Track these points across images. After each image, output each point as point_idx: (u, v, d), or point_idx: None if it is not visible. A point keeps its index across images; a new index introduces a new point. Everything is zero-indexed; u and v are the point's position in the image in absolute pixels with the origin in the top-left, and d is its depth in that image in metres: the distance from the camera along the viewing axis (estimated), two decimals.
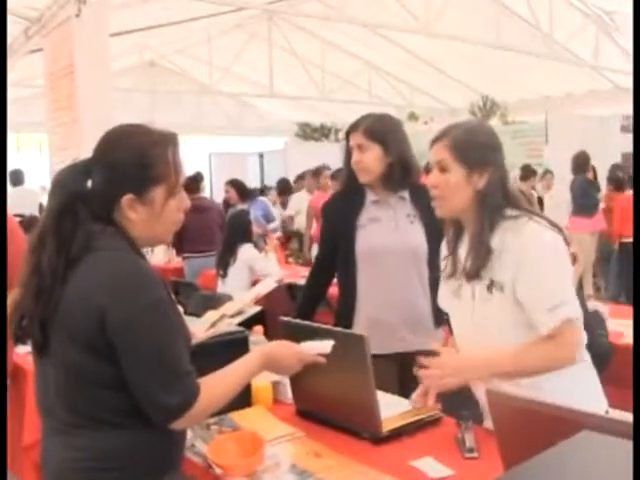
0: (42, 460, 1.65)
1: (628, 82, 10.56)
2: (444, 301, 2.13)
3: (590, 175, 8.03)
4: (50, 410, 1.61)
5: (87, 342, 1.50)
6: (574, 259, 2.25)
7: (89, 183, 1.60)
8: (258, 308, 2.34)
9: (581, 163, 7.87)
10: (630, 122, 11.25)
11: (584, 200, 7.77)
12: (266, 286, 2.45)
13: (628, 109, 10.84)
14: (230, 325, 2.25)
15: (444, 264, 2.06)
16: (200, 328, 2.14)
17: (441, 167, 1.90)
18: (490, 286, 1.88)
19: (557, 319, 1.80)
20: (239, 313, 2.29)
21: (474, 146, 1.89)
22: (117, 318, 1.48)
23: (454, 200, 1.91)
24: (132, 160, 1.57)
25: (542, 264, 1.84)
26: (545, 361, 1.84)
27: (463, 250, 1.98)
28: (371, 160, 2.64)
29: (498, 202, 1.88)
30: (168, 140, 1.63)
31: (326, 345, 1.90)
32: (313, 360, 1.88)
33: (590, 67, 10.46)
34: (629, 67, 10.03)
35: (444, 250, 2.09)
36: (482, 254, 1.87)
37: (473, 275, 1.90)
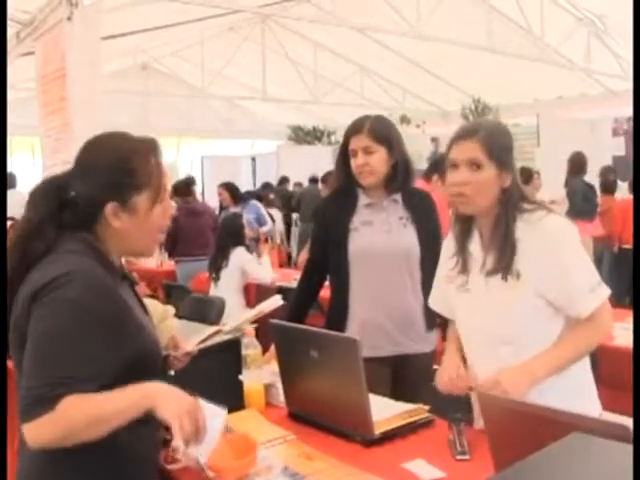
0: None
1: (619, 86, 10.61)
2: (447, 300, 2.13)
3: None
4: None
5: (23, 338, 1.47)
6: None
7: (72, 193, 1.57)
8: (254, 325, 2.31)
9: (578, 165, 7.45)
10: (620, 125, 11.29)
11: (585, 204, 7.40)
12: (271, 303, 2.37)
13: (619, 112, 10.90)
14: (223, 339, 2.23)
15: (453, 262, 2.05)
16: (193, 340, 2.13)
17: (474, 165, 1.90)
18: (505, 274, 1.91)
19: (599, 298, 1.88)
20: (236, 330, 2.28)
21: (503, 146, 1.94)
22: (37, 308, 1.45)
23: (482, 198, 1.92)
24: (114, 168, 1.55)
25: (574, 250, 1.91)
26: (589, 343, 1.91)
27: (474, 246, 2.00)
28: (378, 162, 2.63)
29: (518, 199, 1.94)
30: (149, 146, 1.62)
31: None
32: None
33: (581, 70, 10.49)
34: (620, 71, 10.08)
35: (450, 247, 2.09)
36: (509, 251, 1.90)
37: (501, 270, 1.92)
